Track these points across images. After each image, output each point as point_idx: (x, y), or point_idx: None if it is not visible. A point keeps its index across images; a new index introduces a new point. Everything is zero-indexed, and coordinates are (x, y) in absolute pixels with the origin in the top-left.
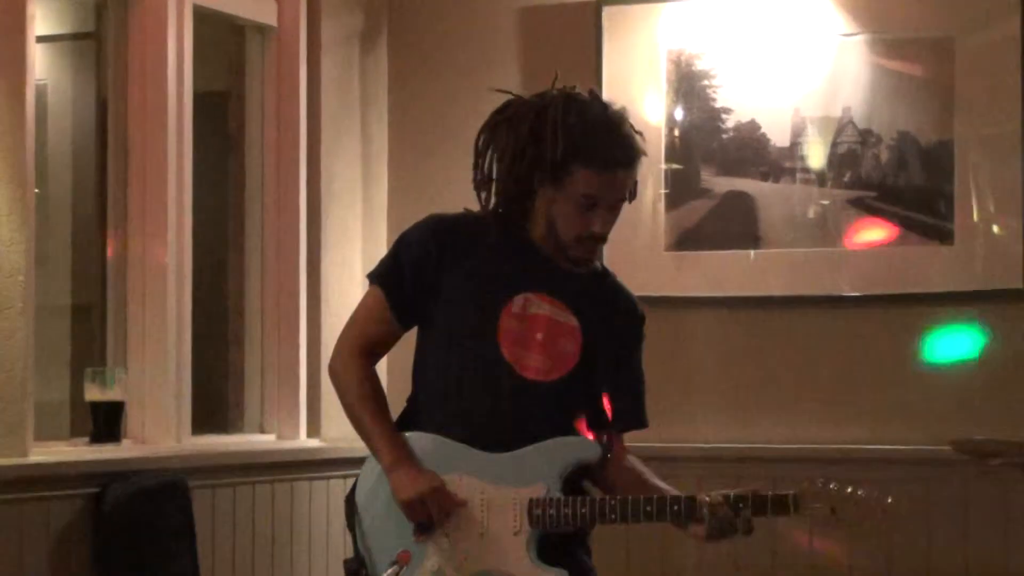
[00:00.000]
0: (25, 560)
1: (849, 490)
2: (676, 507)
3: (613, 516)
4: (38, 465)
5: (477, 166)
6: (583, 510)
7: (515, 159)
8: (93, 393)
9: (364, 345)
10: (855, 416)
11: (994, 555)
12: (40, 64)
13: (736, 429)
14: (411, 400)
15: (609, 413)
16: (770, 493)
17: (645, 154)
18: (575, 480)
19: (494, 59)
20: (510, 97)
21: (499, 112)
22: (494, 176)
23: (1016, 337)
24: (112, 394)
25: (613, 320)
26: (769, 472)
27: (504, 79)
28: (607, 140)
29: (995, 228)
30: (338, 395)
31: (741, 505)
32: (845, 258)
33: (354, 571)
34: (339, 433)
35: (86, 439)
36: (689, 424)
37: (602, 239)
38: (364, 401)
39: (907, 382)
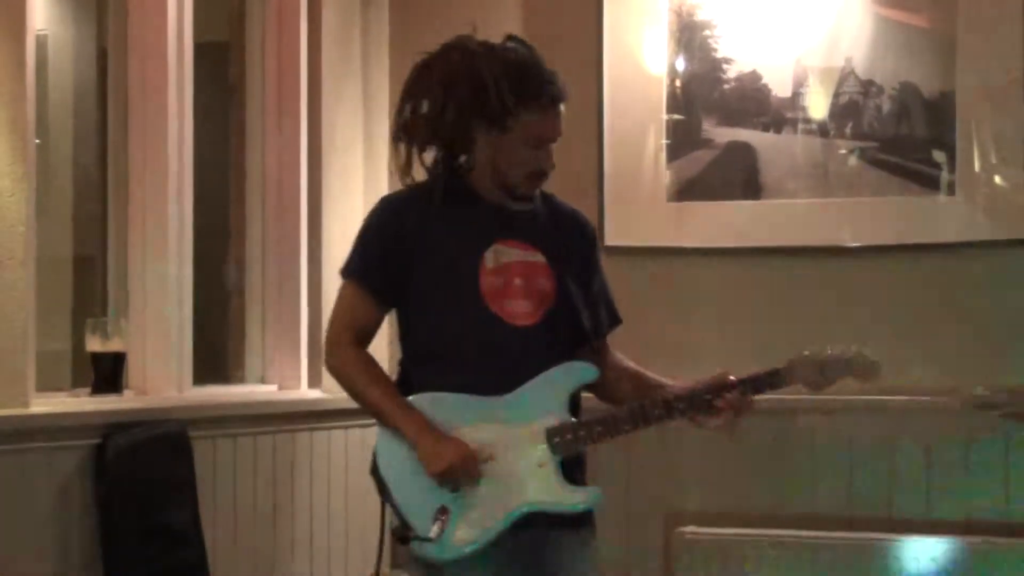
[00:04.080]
0: (27, 511)
1: (829, 351)
2: (683, 405)
3: (627, 427)
4: (40, 416)
5: (404, 123)
6: (598, 428)
7: (458, 112)
8: (94, 344)
9: (353, 333)
10: None
11: (996, 501)
12: (40, 14)
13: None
14: (402, 365)
15: (590, 323)
16: (762, 372)
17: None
18: (575, 403)
19: (495, 9)
20: (425, 55)
21: (422, 72)
22: (427, 136)
23: (1018, 287)
24: (113, 345)
25: (570, 242)
26: (769, 424)
27: (505, 30)
28: (544, 79)
29: (996, 178)
30: (343, 387)
31: (742, 389)
32: (846, 209)
33: (403, 536)
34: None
35: (87, 390)
36: (689, 374)
37: (548, 175)
38: (370, 385)
39: (909, 333)
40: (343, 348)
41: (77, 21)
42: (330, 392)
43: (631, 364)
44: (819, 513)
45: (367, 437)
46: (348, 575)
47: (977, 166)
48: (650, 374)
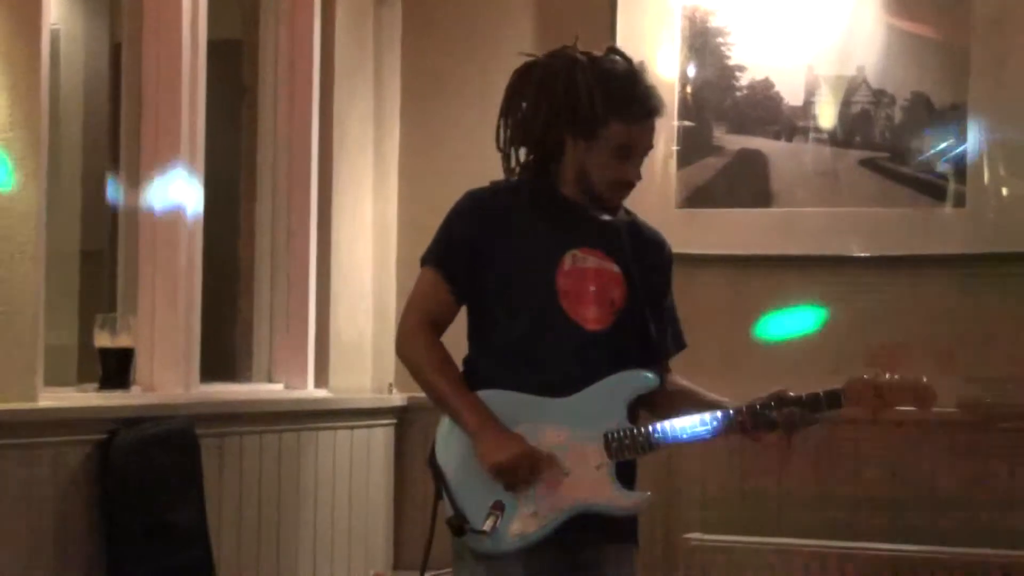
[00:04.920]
0: (33, 504)
1: (887, 376)
2: (741, 418)
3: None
4: (47, 410)
5: (505, 126)
6: (656, 435)
7: (550, 119)
8: (103, 339)
9: (427, 321)
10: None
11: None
12: (53, 8)
13: (743, 387)
14: (469, 367)
15: (655, 341)
16: (821, 392)
17: (665, 103)
18: (634, 412)
19: (508, 12)
20: (529, 59)
21: (523, 74)
22: (521, 137)
23: None
24: (122, 340)
25: (647, 259)
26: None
27: (518, 32)
28: (637, 93)
29: (1004, 191)
30: (411, 371)
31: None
32: (856, 219)
33: (458, 527)
34: (346, 384)
35: (94, 385)
36: (695, 381)
37: (634, 185)
38: (439, 372)
39: (916, 344)
40: (416, 332)
41: (89, 16)
42: (336, 392)
43: (689, 384)
44: (824, 522)
45: (372, 437)
46: (352, 574)
47: (987, 178)
48: (707, 392)
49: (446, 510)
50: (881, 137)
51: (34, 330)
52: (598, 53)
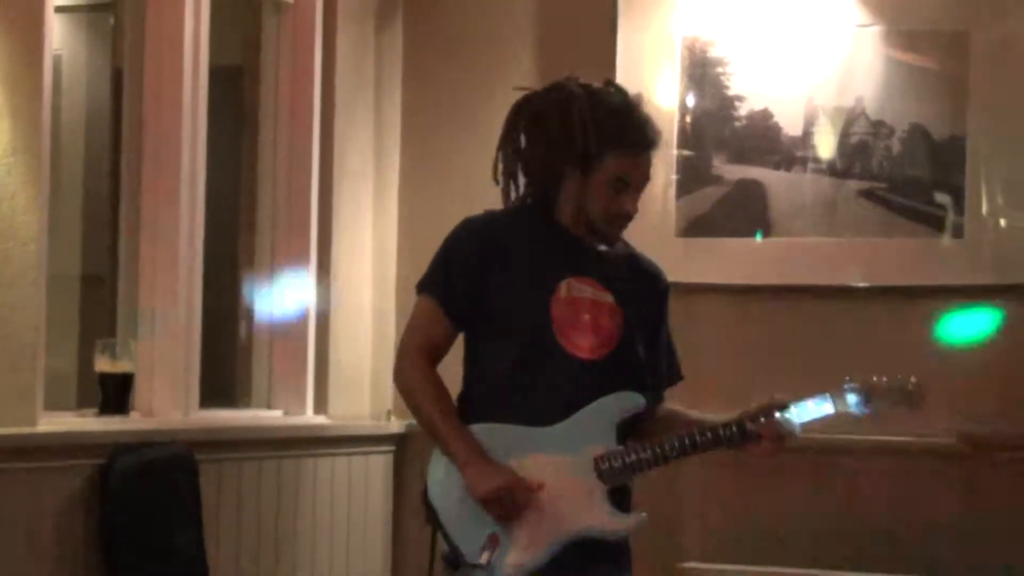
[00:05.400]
0: (31, 529)
1: (875, 379)
2: (729, 432)
3: (673, 453)
4: (47, 435)
5: (504, 159)
6: (645, 455)
7: (547, 152)
8: (103, 364)
9: (425, 350)
10: None
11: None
12: (55, 34)
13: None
14: (463, 396)
15: (650, 376)
16: (809, 399)
17: (662, 135)
18: (623, 437)
19: (509, 41)
20: (526, 92)
21: (521, 108)
22: (519, 169)
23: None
24: (122, 365)
25: (643, 292)
26: (774, 461)
27: (518, 61)
28: (633, 125)
29: (1003, 222)
30: (405, 398)
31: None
32: (854, 249)
33: (453, 562)
34: (345, 411)
35: (93, 410)
36: (694, 410)
37: (631, 217)
38: (432, 401)
39: (914, 375)
40: (413, 360)
41: (91, 41)
42: (335, 419)
43: (679, 408)
44: (822, 551)
45: (371, 464)
46: None
47: (985, 210)
48: (698, 413)
49: (442, 546)
50: (880, 168)
51: (35, 354)
52: (597, 85)
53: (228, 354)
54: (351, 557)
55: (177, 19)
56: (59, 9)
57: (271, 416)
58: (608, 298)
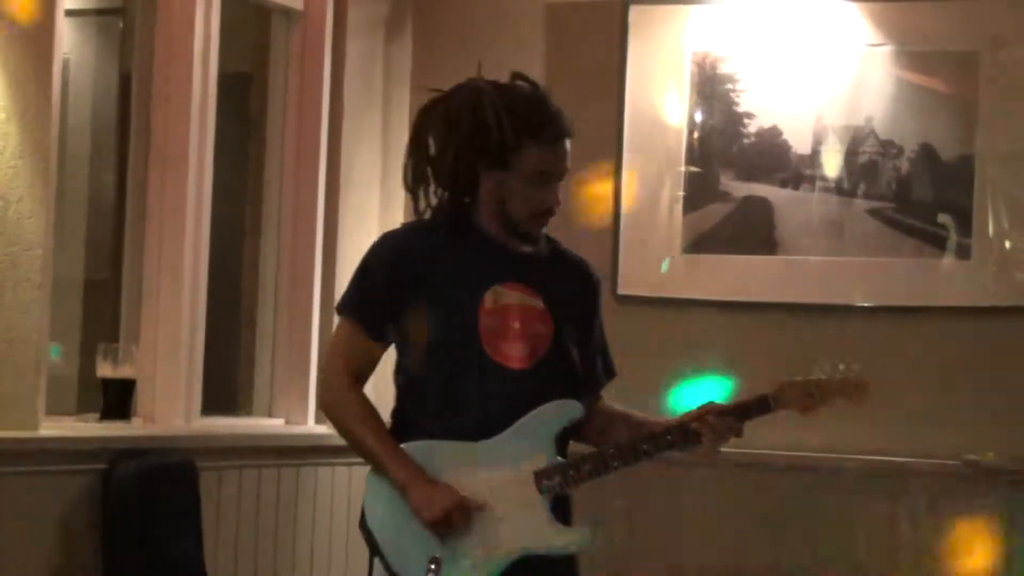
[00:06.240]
0: (32, 534)
1: (818, 373)
2: (670, 437)
3: (616, 464)
4: (48, 439)
5: (415, 166)
6: (586, 467)
7: (461, 153)
8: (105, 369)
9: (350, 372)
10: (864, 427)
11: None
12: (64, 38)
13: (747, 432)
14: (396, 414)
15: (585, 374)
16: (751, 398)
17: (574, 126)
18: (563, 443)
19: (519, 53)
20: (434, 94)
21: (428, 110)
22: (431, 175)
23: None
24: (123, 371)
25: (573, 292)
26: (774, 481)
27: (528, 73)
28: (548, 115)
29: (1008, 243)
30: (335, 425)
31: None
32: (860, 268)
33: None
34: None
35: (95, 415)
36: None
37: (554, 212)
38: (363, 424)
39: (918, 396)
40: (340, 384)
41: (100, 46)
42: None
43: (620, 407)
44: (820, 570)
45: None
46: None
47: (991, 231)
48: (639, 413)
49: (349, 537)
50: (887, 187)
51: (38, 359)
52: (503, 81)
53: (230, 362)
54: (349, 567)
55: (187, 25)
56: (68, 13)
57: (272, 424)
58: (537, 302)
